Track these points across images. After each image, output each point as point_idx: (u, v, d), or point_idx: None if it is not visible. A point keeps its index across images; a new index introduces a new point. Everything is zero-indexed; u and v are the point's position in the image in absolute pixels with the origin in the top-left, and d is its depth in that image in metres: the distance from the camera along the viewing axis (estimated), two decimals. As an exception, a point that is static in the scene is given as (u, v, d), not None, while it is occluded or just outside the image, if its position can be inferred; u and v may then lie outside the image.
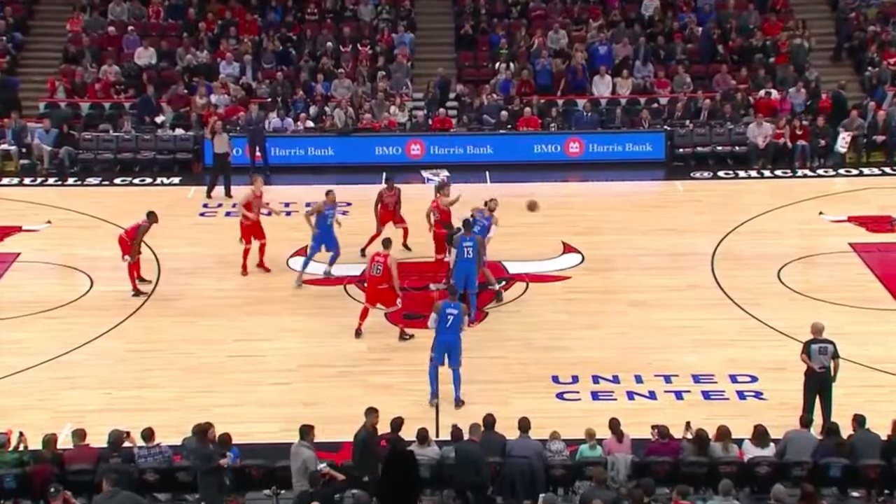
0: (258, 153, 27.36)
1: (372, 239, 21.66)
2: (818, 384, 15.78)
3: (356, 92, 29.75)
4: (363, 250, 21.72)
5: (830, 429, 14.60)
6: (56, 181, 27.30)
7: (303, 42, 31.85)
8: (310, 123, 28.97)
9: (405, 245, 22.12)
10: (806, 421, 14.89)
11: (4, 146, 28.20)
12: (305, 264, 21.11)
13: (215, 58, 30.96)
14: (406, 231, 22.14)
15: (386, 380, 17.54)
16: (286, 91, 29.88)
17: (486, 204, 20.59)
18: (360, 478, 13.84)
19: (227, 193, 25.60)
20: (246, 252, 21.40)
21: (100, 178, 27.50)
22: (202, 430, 14.10)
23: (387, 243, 19.17)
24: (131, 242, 20.43)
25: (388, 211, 21.93)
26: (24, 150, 28.26)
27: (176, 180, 27.23)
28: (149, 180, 27.31)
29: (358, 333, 19.01)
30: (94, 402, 16.97)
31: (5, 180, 27.30)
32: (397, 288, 18.84)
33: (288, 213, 23.85)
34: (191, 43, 31.26)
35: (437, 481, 14.20)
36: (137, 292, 20.56)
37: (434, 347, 16.90)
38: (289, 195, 25.37)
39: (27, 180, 27.30)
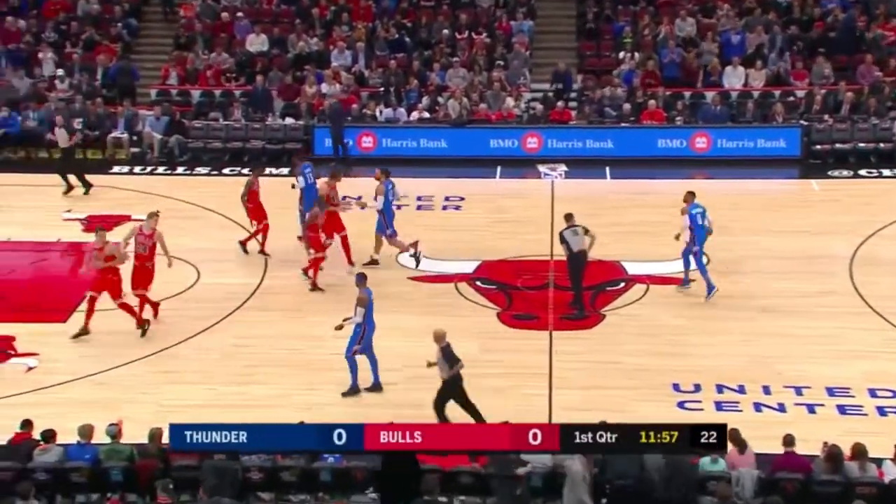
0: (344, 141, 27.38)
1: (254, 235, 21.42)
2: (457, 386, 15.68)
3: (471, 82, 29.08)
4: (249, 249, 21.45)
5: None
6: (165, 170, 27.36)
7: (417, 29, 31.26)
8: (423, 114, 28.38)
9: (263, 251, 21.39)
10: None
11: (116, 134, 28.30)
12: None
13: (327, 45, 30.60)
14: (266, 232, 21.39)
15: (497, 383, 16.93)
16: (399, 80, 29.33)
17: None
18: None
19: (78, 188, 25.29)
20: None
21: (208, 168, 27.40)
22: None
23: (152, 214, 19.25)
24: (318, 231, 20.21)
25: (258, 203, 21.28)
26: (134, 137, 28.32)
27: (285, 171, 26.83)
28: (258, 170, 27.13)
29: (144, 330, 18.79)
30: (197, 398, 16.80)
31: (116, 168, 27.43)
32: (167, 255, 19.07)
33: (398, 207, 23.21)
34: (303, 29, 30.95)
35: (549, 491, 13.49)
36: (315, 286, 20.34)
37: (365, 343, 16.67)
38: (400, 188, 24.71)
39: (137, 169, 27.41)
